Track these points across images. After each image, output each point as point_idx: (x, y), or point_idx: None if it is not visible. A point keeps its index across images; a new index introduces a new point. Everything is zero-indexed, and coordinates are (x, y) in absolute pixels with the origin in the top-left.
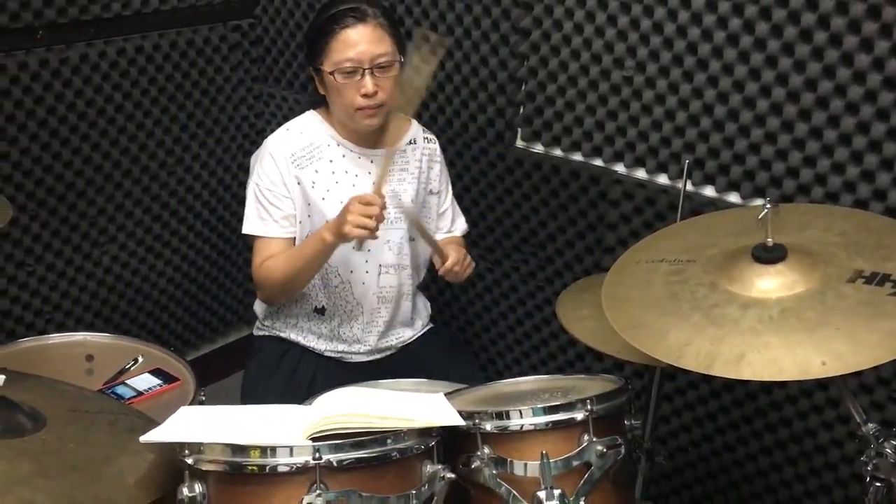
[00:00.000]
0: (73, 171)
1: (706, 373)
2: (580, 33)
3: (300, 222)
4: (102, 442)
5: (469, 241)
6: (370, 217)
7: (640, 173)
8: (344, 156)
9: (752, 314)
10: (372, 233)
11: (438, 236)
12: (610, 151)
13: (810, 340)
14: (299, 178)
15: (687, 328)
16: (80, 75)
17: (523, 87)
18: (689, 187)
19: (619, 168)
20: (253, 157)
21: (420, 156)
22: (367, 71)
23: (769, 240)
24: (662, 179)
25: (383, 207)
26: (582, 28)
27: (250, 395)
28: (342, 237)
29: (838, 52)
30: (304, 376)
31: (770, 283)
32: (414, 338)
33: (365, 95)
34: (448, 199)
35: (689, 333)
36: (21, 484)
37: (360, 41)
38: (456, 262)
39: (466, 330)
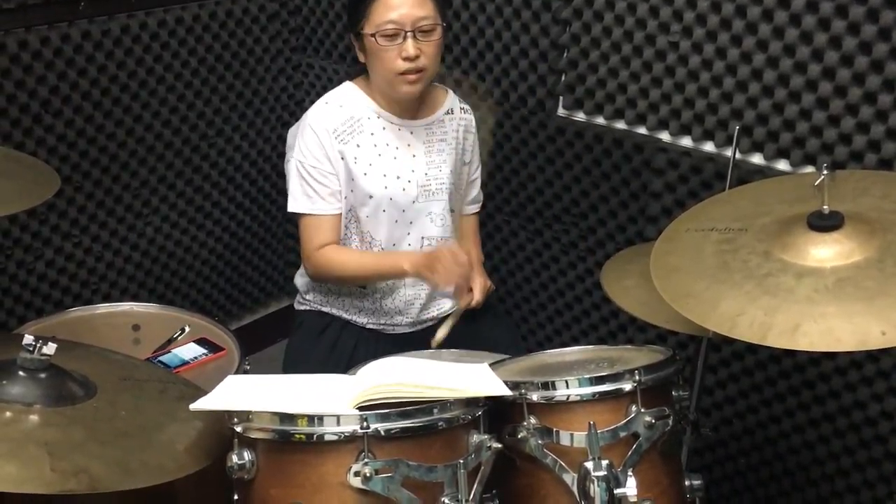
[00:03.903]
0: (117, 143)
1: (760, 343)
2: None
3: (345, 197)
4: (152, 409)
5: (510, 210)
6: (460, 276)
7: (686, 141)
8: (384, 128)
9: (808, 283)
10: (451, 289)
11: (465, 206)
12: (654, 119)
13: (869, 310)
14: (343, 152)
15: (740, 298)
16: (122, 47)
17: (565, 54)
18: (737, 155)
19: (664, 136)
20: (291, 132)
21: (457, 126)
22: (409, 34)
23: (825, 207)
24: (709, 147)
25: (470, 269)
26: None
27: (292, 370)
28: (422, 277)
29: (894, 13)
30: (345, 349)
31: (826, 251)
32: (454, 308)
33: (406, 59)
34: (478, 170)
35: (742, 303)
36: (75, 450)
37: (402, 4)
38: (479, 302)
39: (507, 300)
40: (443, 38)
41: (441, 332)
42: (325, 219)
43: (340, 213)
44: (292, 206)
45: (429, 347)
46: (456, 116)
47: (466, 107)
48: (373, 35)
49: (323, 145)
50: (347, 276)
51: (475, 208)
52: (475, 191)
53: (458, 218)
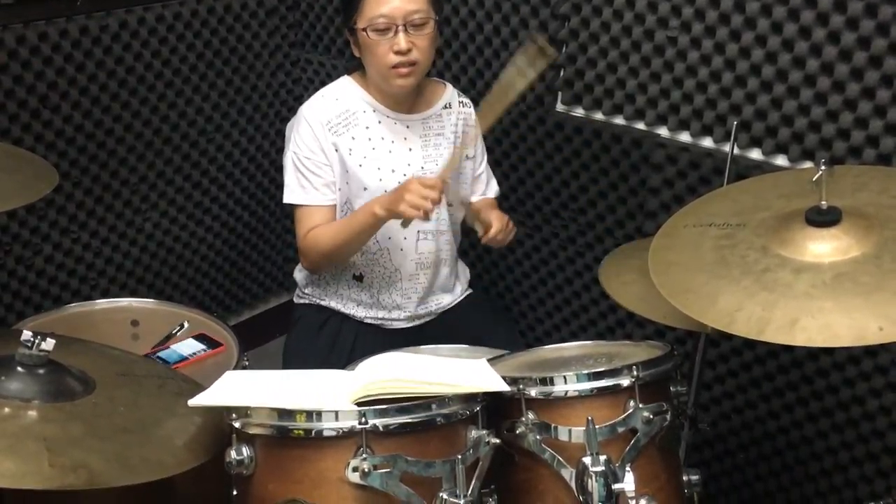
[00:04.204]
0: (115, 139)
1: (758, 338)
2: None
3: (339, 189)
4: (151, 405)
5: (508, 206)
6: (429, 200)
7: (684, 136)
8: (380, 122)
9: (806, 279)
10: (426, 215)
11: (473, 199)
12: (653, 114)
13: (866, 305)
14: (336, 144)
15: (738, 293)
16: (120, 42)
17: (564, 49)
18: (735, 150)
19: (663, 131)
20: (288, 126)
21: (455, 120)
22: (400, 28)
23: (823, 202)
24: (707, 143)
25: (443, 192)
26: None
27: (291, 363)
28: (395, 214)
29: (892, 8)
30: (344, 343)
31: (824, 246)
32: (453, 303)
33: (398, 53)
34: (483, 164)
35: (740, 298)
36: (74, 445)
37: None
38: (499, 230)
39: (506, 296)
40: (436, 32)
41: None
42: (319, 209)
43: (334, 205)
44: (287, 197)
45: (426, 343)
46: (454, 111)
47: (466, 100)
48: (364, 29)
49: (317, 137)
50: (332, 246)
51: (489, 196)
52: (482, 185)
53: (456, 210)
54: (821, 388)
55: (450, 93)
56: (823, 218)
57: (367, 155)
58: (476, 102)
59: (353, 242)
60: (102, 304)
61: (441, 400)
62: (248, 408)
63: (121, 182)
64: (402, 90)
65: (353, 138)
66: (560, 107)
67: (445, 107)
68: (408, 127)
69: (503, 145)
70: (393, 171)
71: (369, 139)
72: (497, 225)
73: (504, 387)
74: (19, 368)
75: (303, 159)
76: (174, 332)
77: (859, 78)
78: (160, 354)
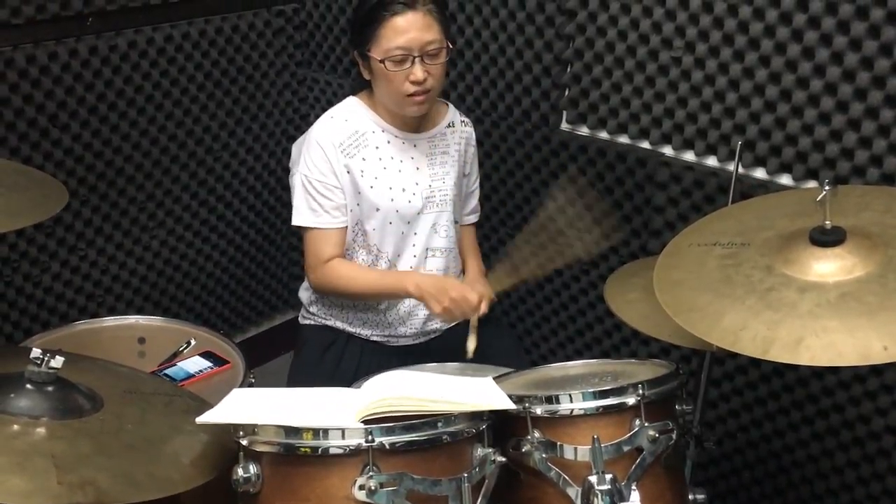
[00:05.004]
0: (123, 157)
1: (762, 358)
2: (627, 13)
3: (350, 211)
4: (158, 422)
5: (513, 224)
6: (460, 315)
7: (689, 156)
8: (389, 142)
9: (810, 298)
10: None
11: (464, 217)
12: (657, 134)
13: (871, 324)
14: (349, 166)
15: (742, 312)
16: (129, 62)
17: (569, 69)
18: (740, 170)
19: (667, 150)
20: (295, 146)
21: (458, 139)
22: (416, 58)
23: (827, 222)
24: (711, 162)
25: (473, 313)
26: (629, 8)
27: (297, 384)
28: (424, 302)
29: (894, 29)
30: (349, 362)
31: (828, 266)
32: (458, 321)
33: (414, 82)
34: (476, 181)
35: (745, 317)
36: (82, 463)
37: (409, 28)
38: (484, 313)
39: (511, 313)
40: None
41: (471, 345)
42: (330, 232)
43: (345, 227)
44: (297, 220)
45: (432, 360)
46: (457, 129)
47: (467, 119)
48: (381, 60)
49: (328, 159)
50: (351, 292)
51: (473, 218)
52: (474, 201)
53: (459, 230)
54: (826, 406)
55: (452, 112)
56: (827, 237)
57: (378, 175)
58: (479, 122)
59: (371, 297)
60: (109, 321)
61: (447, 418)
62: (255, 425)
63: (128, 200)
64: (415, 115)
65: (363, 159)
66: (565, 126)
67: (449, 125)
68: (415, 146)
69: (508, 164)
70: (403, 189)
71: (380, 159)
72: (484, 309)
73: (510, 405)
74: (28, 386)
75: (314, 182)
76: (181, 349)
77: (863, 98)
78: (167, 372)
